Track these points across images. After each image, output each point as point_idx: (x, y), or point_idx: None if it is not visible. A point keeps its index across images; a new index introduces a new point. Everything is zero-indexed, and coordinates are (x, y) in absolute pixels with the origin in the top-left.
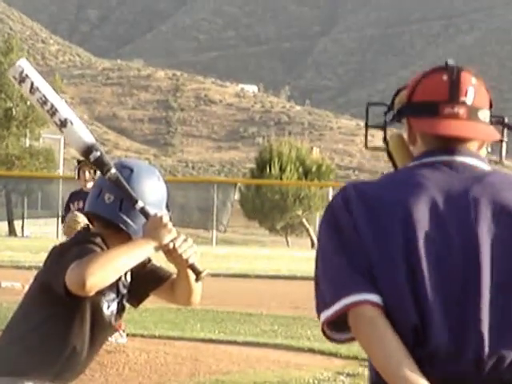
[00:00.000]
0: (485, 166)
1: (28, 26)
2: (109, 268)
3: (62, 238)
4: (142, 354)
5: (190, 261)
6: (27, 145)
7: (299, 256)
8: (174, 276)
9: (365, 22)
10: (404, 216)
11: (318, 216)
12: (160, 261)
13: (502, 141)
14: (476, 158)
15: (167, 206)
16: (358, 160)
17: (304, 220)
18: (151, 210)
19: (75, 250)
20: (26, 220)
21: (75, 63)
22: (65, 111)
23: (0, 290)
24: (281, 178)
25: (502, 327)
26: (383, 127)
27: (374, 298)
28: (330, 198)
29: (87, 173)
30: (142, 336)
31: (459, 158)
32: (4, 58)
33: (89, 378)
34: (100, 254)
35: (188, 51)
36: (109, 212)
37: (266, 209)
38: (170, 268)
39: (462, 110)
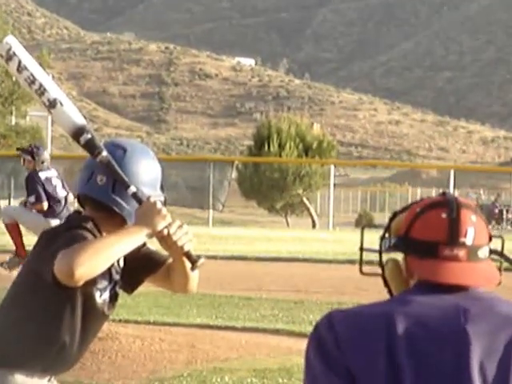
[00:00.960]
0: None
1: None
2: (98, 257)
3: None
4: (135, 341)
5: (185, 248)
6: (13, 123)
7: (300, 237)
8: (170, 261)
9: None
10: (387, 330)
11: (319, 195)
12: (156, 245)
13: (500, 264)
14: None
15: (162, 187)
16: (361, 135)
17: (305, 199)
18: (145, 191)
19: (65, 235)
20: (12, 201)
21: (63, 37)
22: (54, 91)
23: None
24: (280, 156)
25: None
26: (379, 252)
27: None
28: (332, 176)
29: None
30: (136, 322)
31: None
32: None
33: (80, 366)
34: (90, 242)
35: (181, 23)
36: (102, 194)
37: (265, 188)
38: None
39: (461, 253)
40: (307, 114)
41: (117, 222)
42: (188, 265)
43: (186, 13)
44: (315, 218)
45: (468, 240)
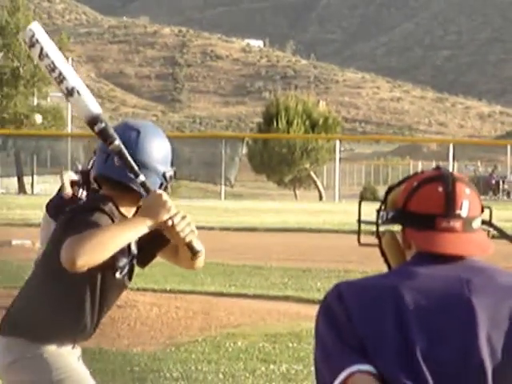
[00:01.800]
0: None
1: None
2: (101, 248)
3: None
4: (153, 309)
5: (187, 239)
6: (35, 103)
7: (307, 208)
8: None
9: None
10: (395, 303)
11: (325, 168)
12: None
13: (488, 231)
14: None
15: (172, 162)
16: (364, 112)
17: (312, 173)
18: (159, 168)
19: (80, 219)
20: (35, 177)
21: (81, 21)
22: (73, 80)
23: (11, 248)
24: (288, 132)
25: None
26: (376, 224)
27: (368, 367)
28: (337, 151)
29: None
30: (153, 290)
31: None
32: (10, 18)
33: (100, 333)
34: (95, 232)
35: (193, 8)
36: (119, 174)
37: (274, 162)
38: None
39: (457, 224)
40: (313, 92)
41: (134, 198)
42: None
43: None
44: (322, 190)
45: (463, 212)
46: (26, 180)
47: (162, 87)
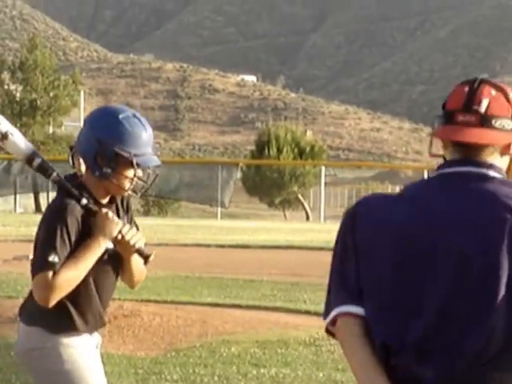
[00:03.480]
0: (501, 176)
1: (50, 26)
2: (68, 285)
3: None
4: (155, 318)
5: (137, 246)
6: (51, 132)
7: (295, 228)
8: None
9: (350, 18)
10: (404, 239)
11: (311, 192)
12: None
13: None
14: (491, 170)
15: (154, 149)
16: (347, 141)
17: (299, 195)
18: (141, 151)
19: (50, 226)
20: (50, 198)
21: (93, 58)
22: (5, 125)
23: (28, 261)
24: (278, 158)
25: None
26: (430, 135)
27: (355, 309)
28: (323, 176)
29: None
30: (156, 301)
31: (474, 170)
32: (29, 55)
33: (107, 339)
34: (64, 270)
35: (193, 46)
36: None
37: (265, 186)
38: None
39: (473, 118)
40: (301, 122)
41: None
42: (139, 261)
43: (197, 37)
44: (309, 211)
45: (481, 108)
46: (42, 200)
47: (164, 117)
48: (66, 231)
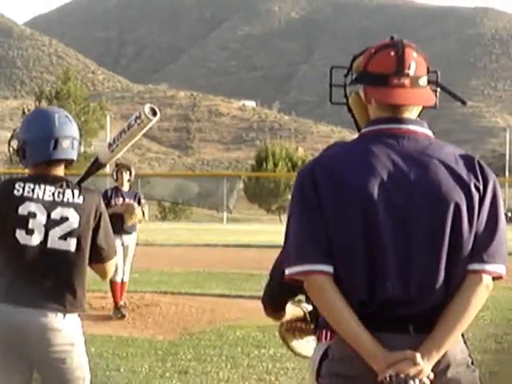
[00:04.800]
0: (425, 130)
1: (81, 61)
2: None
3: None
4: (172, 307)
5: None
6: (82, 150)
7: None
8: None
9: (335, 51)
10: (362, 194)
11: None
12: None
13: (435, 91)
14: (418, 125)
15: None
16: None
17: None
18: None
19: (107, 223)
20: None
21: (117, 88)
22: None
23: None
24: (274, 171)
25: (432, 276)
26: (343, 86)
27: (326, 268)
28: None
29: (124, 174)
30: (172, 293)
31: (405, 126)
32: (63, 86)
33: (131, 325)
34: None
35: (202, 77)
36: None
37: (264, 194)
38: None
39: (406, 81)
40: (293, 141)
41: None
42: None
43: (205, 69)
44: None
45: (411, 71)
46: None
47: (177, 137)
48: None
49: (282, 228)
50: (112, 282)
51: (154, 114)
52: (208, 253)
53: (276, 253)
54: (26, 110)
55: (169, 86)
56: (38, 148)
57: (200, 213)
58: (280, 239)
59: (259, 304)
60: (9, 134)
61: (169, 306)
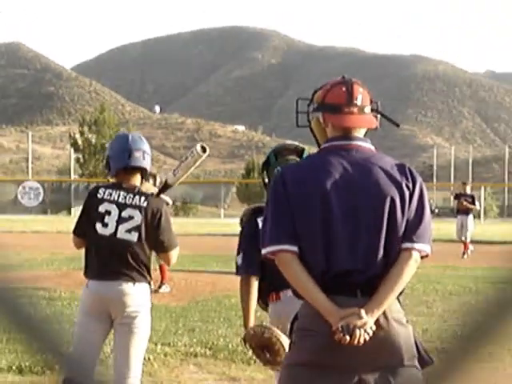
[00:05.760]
0: (369, 145)
1: (113, 96)
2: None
3: None
4: (182, 281)
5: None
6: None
7: None
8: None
9: (305, 88)
10: (321, 191)
11: None
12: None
13: (376, 116)
14: (363, 141)
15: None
16: None
17: None
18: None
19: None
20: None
21: (140, 116)
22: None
23: None
24: (259, 178)
25: (373, 252)
26: (307, 113)
27: (292, 247)
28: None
29: (151, 180)
30: (182, 270)
31: (354, 142)
32: (100, 115)
33: (152, 294)
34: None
35: (204, 108)
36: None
37: (252, 196)
38: None
39: (355, 109)
40: None
41: None
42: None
43: (207, 102)
44: None
45: (358, 101)
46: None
47: (186, 153)
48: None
49: None
50: (160, 265)
51: (204, 150)
52: (210, 240)
53: None
54: (71, 134)
55: (179, 115)
56: (117, 159)
57: (204, 210)
58: None
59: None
60: (60, 152)
61: (180, 281)
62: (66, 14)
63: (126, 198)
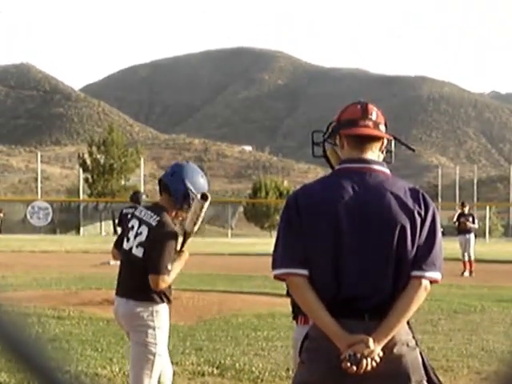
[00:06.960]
0: (383, 169)
1: (122, 117)
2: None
3: None
4: (190, 300)
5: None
6: (122, 184)
7: None
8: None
9: (311, 109)
10: (332, 217)
11: None
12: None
13: (390, 144)
14: (378, 165)
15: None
16: None
17: None
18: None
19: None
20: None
21: (148, 137)
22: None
23: (110, 266)
24: (266, 198)
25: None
26: (323, 143)
27: (302, 271)
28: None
29: None
30: (190, 290)
31: (367, 166)
32: (109, 135)
33: None
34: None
35: (212, 128)
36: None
37: (259, 216)
38: None
39: (370, 123)
40: (280, 175)
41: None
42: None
43: (214, 122)
44: None
45: (373, 117)
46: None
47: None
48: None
49: (272, 241)
50: None
51: (205, 198)
52: (217, 260)
53: (268, 259)
54: (80, 154)
55: (187, 135)
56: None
57: (211, 230)
58: (270, 249)
59: (256, 297)
60: (68, 172)
61: (188, 300)
62: (75, 36)
63: (146, 214)
